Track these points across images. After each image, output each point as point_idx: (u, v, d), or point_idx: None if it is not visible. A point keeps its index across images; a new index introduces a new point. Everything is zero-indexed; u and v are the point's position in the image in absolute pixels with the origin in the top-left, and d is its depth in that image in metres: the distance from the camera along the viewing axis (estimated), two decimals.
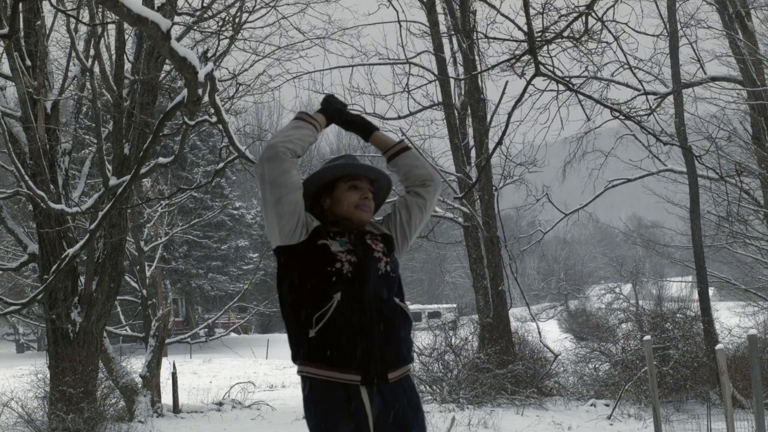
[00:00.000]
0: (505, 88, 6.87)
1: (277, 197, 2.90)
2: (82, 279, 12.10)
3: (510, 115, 6.87)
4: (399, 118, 16.70)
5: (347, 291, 2.90)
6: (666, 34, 14.43)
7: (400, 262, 3.16)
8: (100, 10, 10.03)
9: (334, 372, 2.86)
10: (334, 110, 3.17)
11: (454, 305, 41.10)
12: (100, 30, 10.35)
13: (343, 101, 3.22)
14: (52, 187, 11.48)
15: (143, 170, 10.04)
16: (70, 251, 9.39)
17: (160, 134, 8.10)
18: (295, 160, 2.96)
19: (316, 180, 3.10)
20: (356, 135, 3.29)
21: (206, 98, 7.01)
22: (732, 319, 18.12)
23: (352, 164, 3.12)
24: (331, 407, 2.86)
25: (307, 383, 2.93)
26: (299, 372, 2.97)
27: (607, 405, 13.39)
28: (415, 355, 3.43)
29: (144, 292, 15.92)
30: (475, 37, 15.53)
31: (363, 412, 2.85)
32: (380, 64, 16.87)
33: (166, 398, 14.72)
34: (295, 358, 2.98)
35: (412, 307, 49.71)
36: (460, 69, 16.98)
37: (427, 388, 14.79)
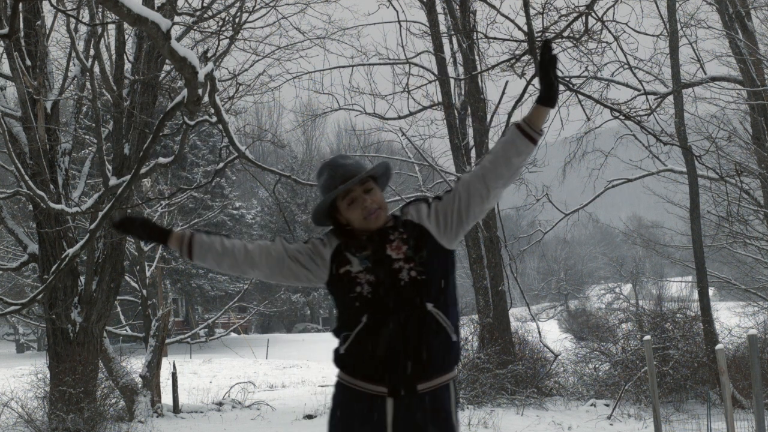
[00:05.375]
0: (505, 88, 6.88)
1: (277, 280, 3.17)
2: (82, 279, 12.10)
3: (510, 115, 6.89)
4: (399, 118, 16.70)
5: (370, 313, 2.92)
6: (666, 34, 14.43)
7: (454, 246, 3.02)
8: (100, 10, 10.03)
9: (363, 382, 2.96)
10: (158, 232, 3.14)
11: None
12: (100, 30, 10.35)
13: (141, 218, 3.17)
14: (52, 187, 11.47)
15: (143, 170, 10.05)
16: (70, 251, 9.40)
17: (160, 134, 8.10)
18: (246, 259, 3.09)
19: (319, 212, 3.06)
20: (539, 89, 2.94)
21: (206, 98, 7.02)
22: (732, 319, 18.10)
23: (341, 181, 2.98)
24: (352, 414, 2.97)
25: (337, 388, 3.06)
26: (335, 376, 3.10)
27: (607, 405, 13.39)
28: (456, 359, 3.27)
29: (144, 292, 15.91)
30: (475, 37, 15.54)
31: (383, 424, 2.93)
32: (380, 64, 16.88)
33: (166, 398, 14.72)
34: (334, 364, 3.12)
35: None
36: (460, 69, 16.97)
37: None
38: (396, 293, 2.91)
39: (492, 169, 2.95)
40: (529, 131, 2.91)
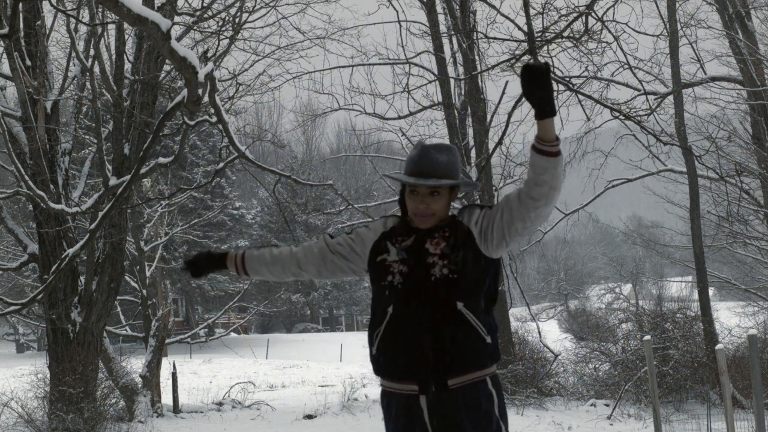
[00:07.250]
0: (505, 88, 6.88)
1: (327, 277, 3.31)
2: (82, 279, 12.10)
3: (510, 115, 6.88)
4: (399, 118, 16.69)
5: (398, 303, 2.97)
6: (666, 34, 14.42)
7: (495, 255, 3.02)
8: (100, 10, 10.03)
9: (394, 383, 3.02)
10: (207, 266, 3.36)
11: None
12: (100, 30, 10.35)
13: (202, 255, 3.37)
14: (52, 187, 11.47)
15: (143, 170, 10.04)
16: (70, 251, 9.39)
17: (160, 134, 8.10)
18: (293, 262, 3.26)
19: (389, 176, 3.24)
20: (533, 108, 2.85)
21: (206, 98, 7.01)
22: (732, 319, 18.10)
23: (413, 172, 3.02)
24: (394, 414, 3.05)
25: (381, 395, 3.15)
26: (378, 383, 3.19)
27: (607, 405, 13.39)
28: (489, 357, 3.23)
29: (144, 292, 15.91)
30: (475, 37, 15.52)
31: (422, 422, 2.97)
32: (380, 64, 16.87)
33: (166, 398, 14.72)
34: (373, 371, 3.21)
35: None
36: (460, 69, 16.96)
37: None
38: (426, 287, 2.95)
39: (527, 192, 2.91)
40: (540, 146, 2.84)
